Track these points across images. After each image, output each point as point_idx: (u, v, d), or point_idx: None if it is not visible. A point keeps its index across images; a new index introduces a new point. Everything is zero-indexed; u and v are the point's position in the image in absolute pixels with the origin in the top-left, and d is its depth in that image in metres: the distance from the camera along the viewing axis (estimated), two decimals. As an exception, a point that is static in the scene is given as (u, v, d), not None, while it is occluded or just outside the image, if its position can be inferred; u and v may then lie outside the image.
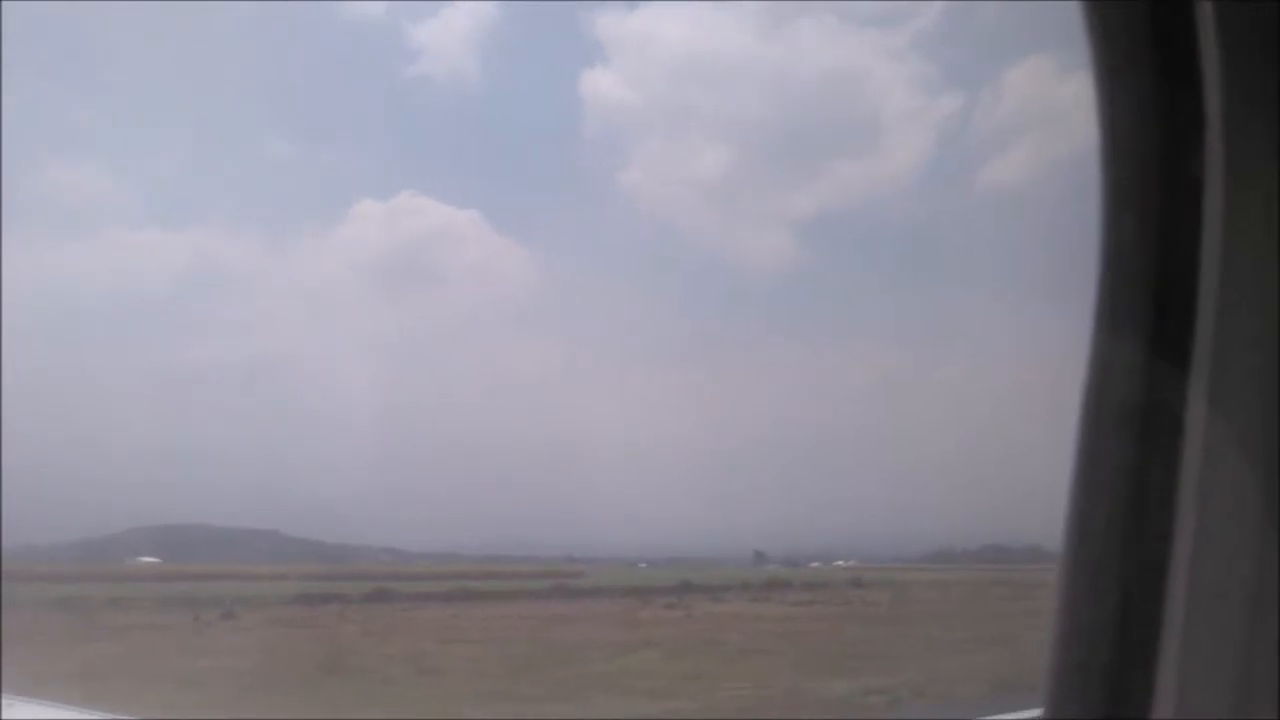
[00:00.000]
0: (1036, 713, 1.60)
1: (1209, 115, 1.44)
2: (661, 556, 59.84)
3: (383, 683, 16.43)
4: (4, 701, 3.42)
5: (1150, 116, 1.53)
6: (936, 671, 16.06)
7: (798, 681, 15.73)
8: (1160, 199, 1.52)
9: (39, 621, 18.58)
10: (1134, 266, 1.52)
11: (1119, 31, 1.52)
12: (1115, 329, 1.51)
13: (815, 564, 62.35)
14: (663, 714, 14.75)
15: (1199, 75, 1.44)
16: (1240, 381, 1.41)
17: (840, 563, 63.19)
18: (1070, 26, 1.57)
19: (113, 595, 24.22)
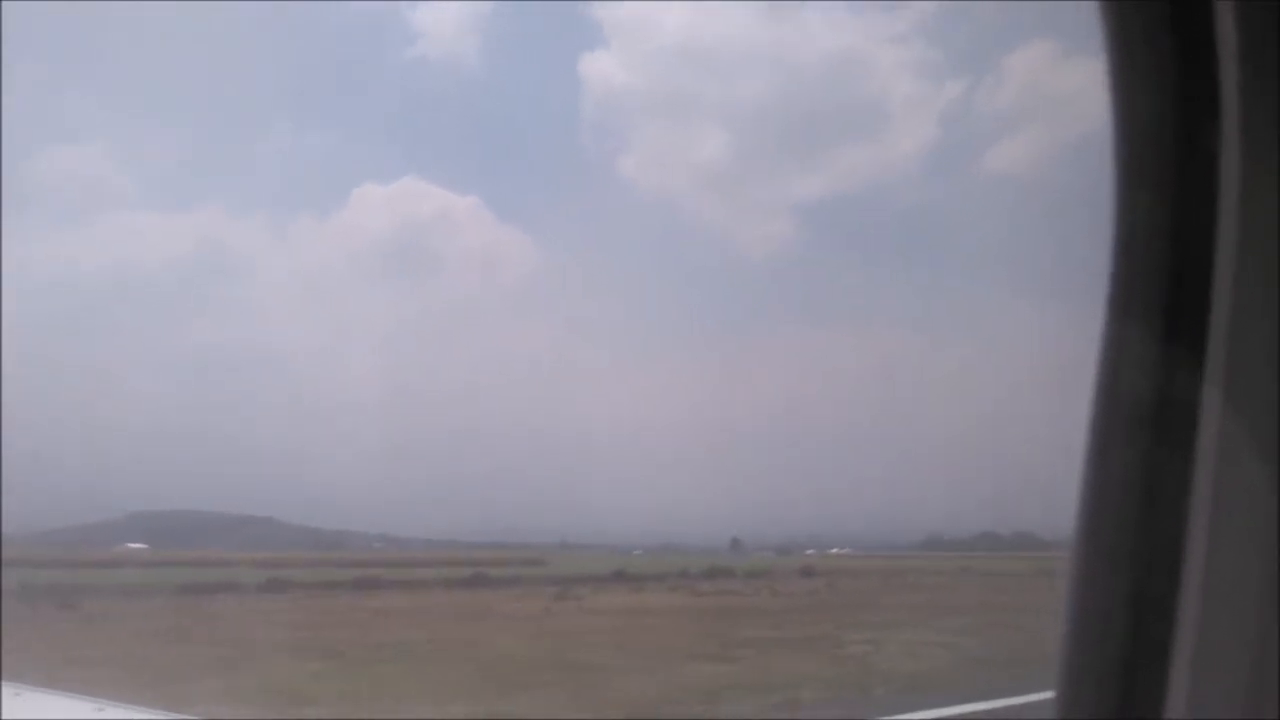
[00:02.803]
0: (1042, 696, 1.56)
1: (1225, 94, 1.39)
2: (659, 543, 60.05)
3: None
4: (5, 689, 3.32)
5: (1166, 95, 1.47)
6: (614, 690, 15.01)
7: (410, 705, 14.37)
8: (1175, 179, 1.46)
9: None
10: (1148, 250, 1.46)
11: (1134, 8, 1.47)
12: (1128, 315, 1.46)
13: (810, 551, 62.70)
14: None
15: (1215, 53, 1.39)
16: (1257, 369, 1.36)
17: (835, 550, 63.66)
18: (1073, 9, 1.52)
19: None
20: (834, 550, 61.45)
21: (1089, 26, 1.51)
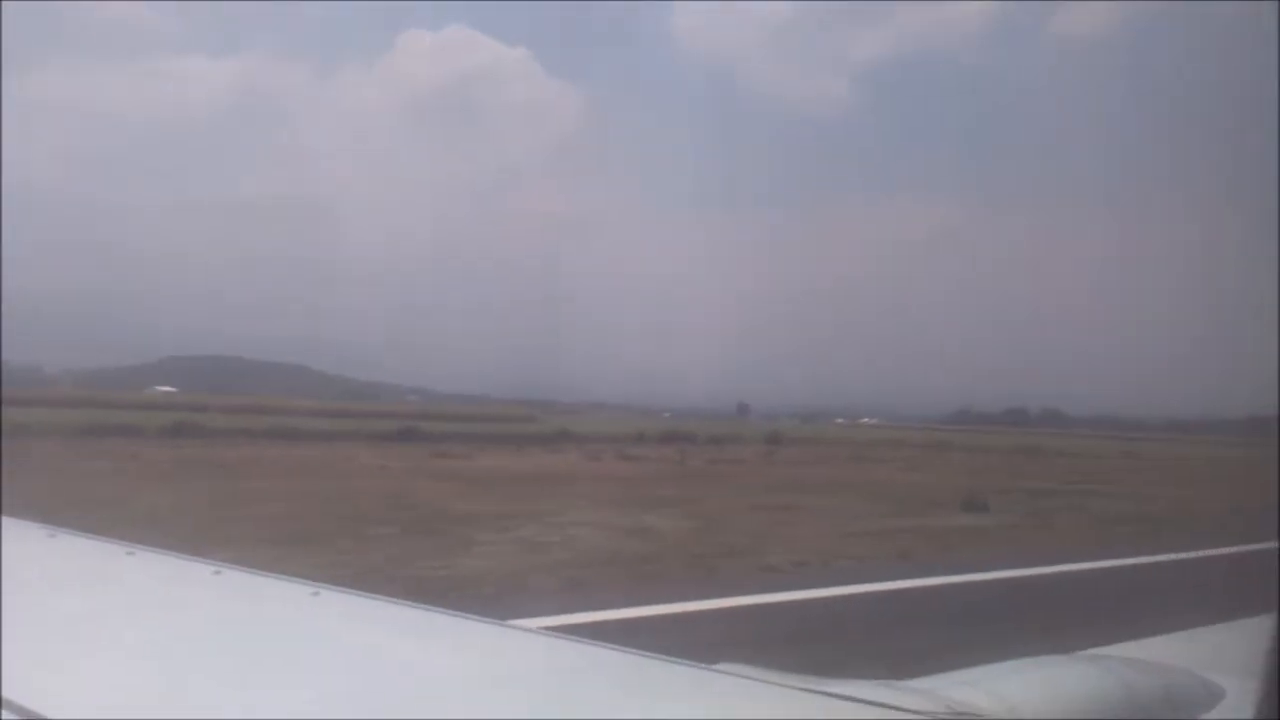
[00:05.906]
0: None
1: None
2: (684, 406, 60.56)
3: None
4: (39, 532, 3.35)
5: None
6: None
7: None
8: None
9: None
10: None
11: None
12: None
13: (840, 420, 62.51)
14: None
15: None
16: None
17: (865, 420, 63.38)
18: None
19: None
20: (864, 420, 61.17)
21: None
